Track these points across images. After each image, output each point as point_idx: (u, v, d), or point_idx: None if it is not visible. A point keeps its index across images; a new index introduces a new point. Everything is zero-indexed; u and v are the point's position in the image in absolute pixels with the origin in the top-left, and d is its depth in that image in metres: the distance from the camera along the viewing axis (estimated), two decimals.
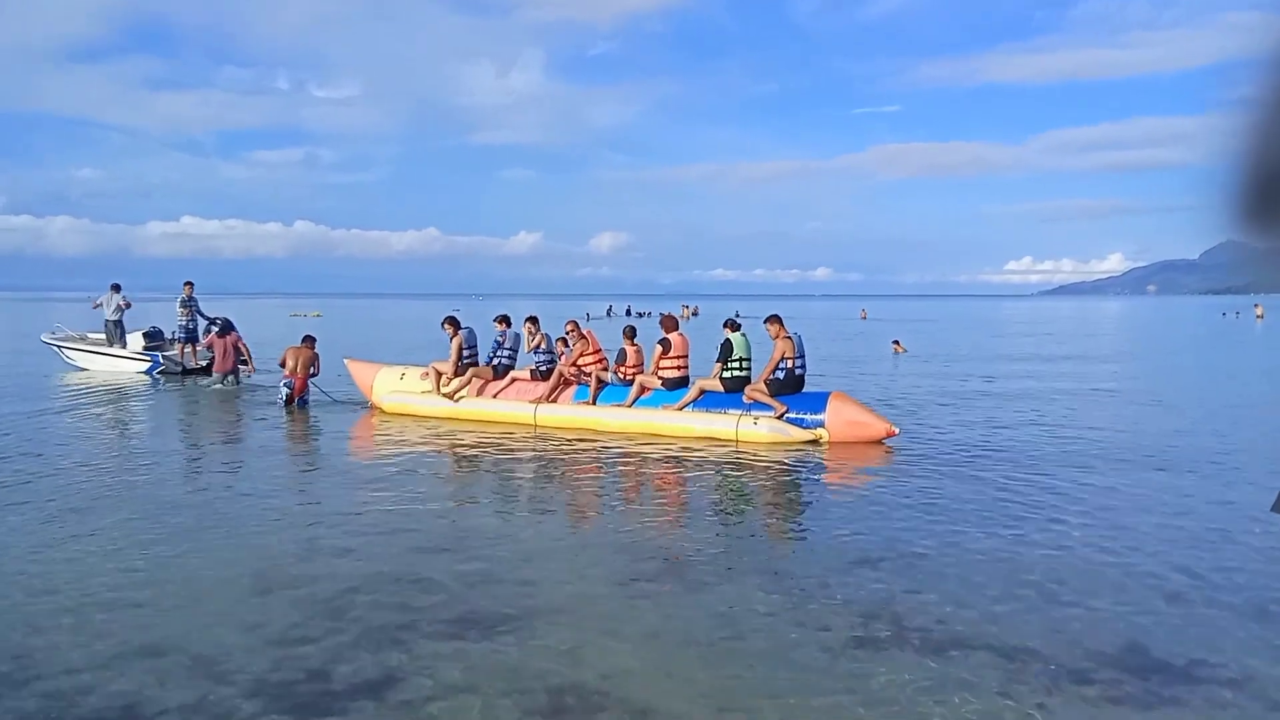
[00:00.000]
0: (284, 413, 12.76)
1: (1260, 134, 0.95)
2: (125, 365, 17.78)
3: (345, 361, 14.08)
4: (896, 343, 26.43)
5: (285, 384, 13.33)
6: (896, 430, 10.17)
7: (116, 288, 18.13)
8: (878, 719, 3.70)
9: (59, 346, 18.99)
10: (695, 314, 53.96)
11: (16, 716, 3.66)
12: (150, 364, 17.46)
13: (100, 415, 12.87)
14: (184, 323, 17.62)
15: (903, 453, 9.78)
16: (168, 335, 18.21)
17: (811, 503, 7.98)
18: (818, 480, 8.75)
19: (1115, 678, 4.09)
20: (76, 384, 16.20)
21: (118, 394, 15.05)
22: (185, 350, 17.49)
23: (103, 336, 18.43)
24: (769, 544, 6.63)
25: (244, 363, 16.25)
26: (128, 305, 18.14)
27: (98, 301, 18.30)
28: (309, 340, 13.82)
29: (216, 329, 16.38)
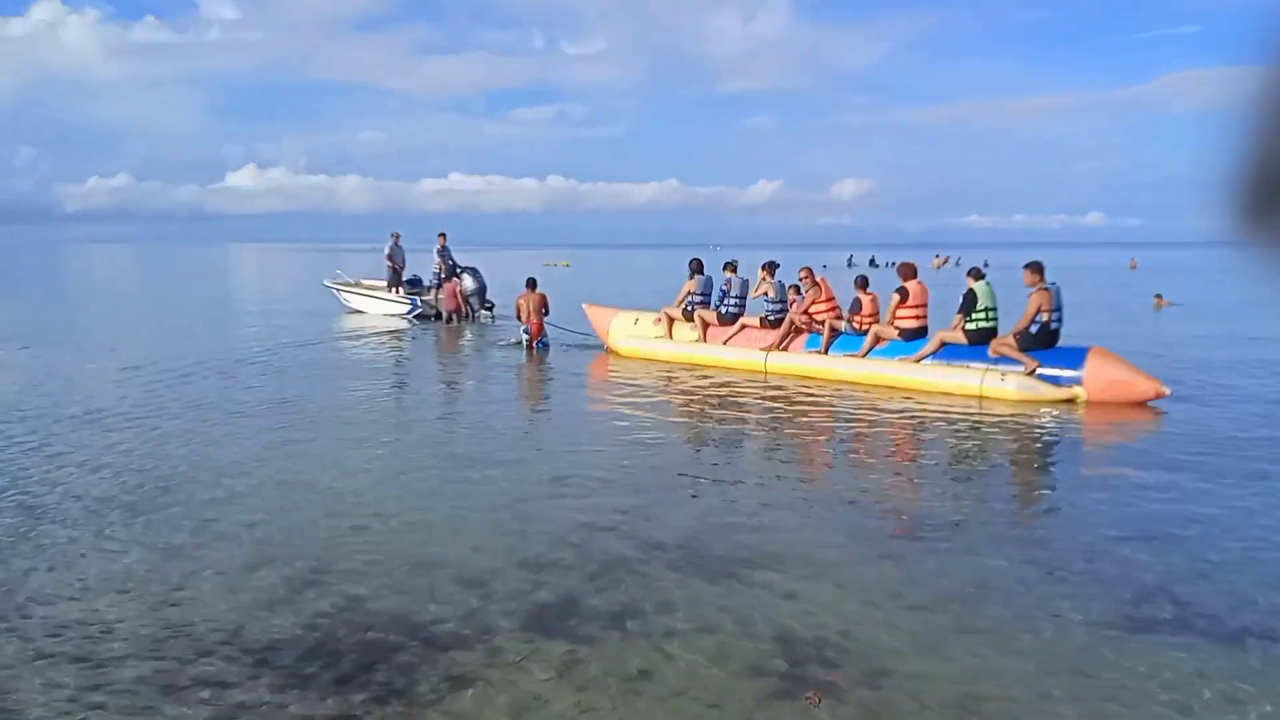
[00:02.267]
0: (525, 356, 13.45)
1: (1262, 131, 0.85)
2: (389, 308, 19.54)
3: (584, 307, 14.68)
4: (1159, 296, 23.85)
5: (524, 330, 14.08)
6: (1168, 391, 9.05)
7: (395, 236, 19.99)
8: (1152, 707, 3.32)
9: (337, 289, 21.23)
10: (948, 264, 50.91)
11: (314, 614, 4.13)
12: (410, 307, 19.05)
13: (372, 354, 14.22)
14: (437, 270, 19.08)
15: (1174, 417, 8.71)
16: (426, 283, 19.77)
17: (1069, 468, 7.29)
18: (1075, 444, 7.99)
19: None
20: (350, 325, 18.01)
21: (383, 335, 16.55)
22: (439, 295, 19.00)
23: (377, 281, 20.41)
24: (1021, 509, 6.16)
25: (489, 307, 17.99)
26: (391, 257, 19.73)
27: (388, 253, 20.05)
28: (531, 283, 14.42)
29: (454, 274, 18.33)
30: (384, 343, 15.61)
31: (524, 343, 14.00)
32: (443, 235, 19.21)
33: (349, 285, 21.09)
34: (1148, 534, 5.27)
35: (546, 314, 14.35)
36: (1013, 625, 4.04)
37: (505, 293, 17.60)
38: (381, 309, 19.73)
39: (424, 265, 19.90)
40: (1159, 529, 5.36)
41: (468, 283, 18.43)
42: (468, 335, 16.50)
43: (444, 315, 17.89)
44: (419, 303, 18.95)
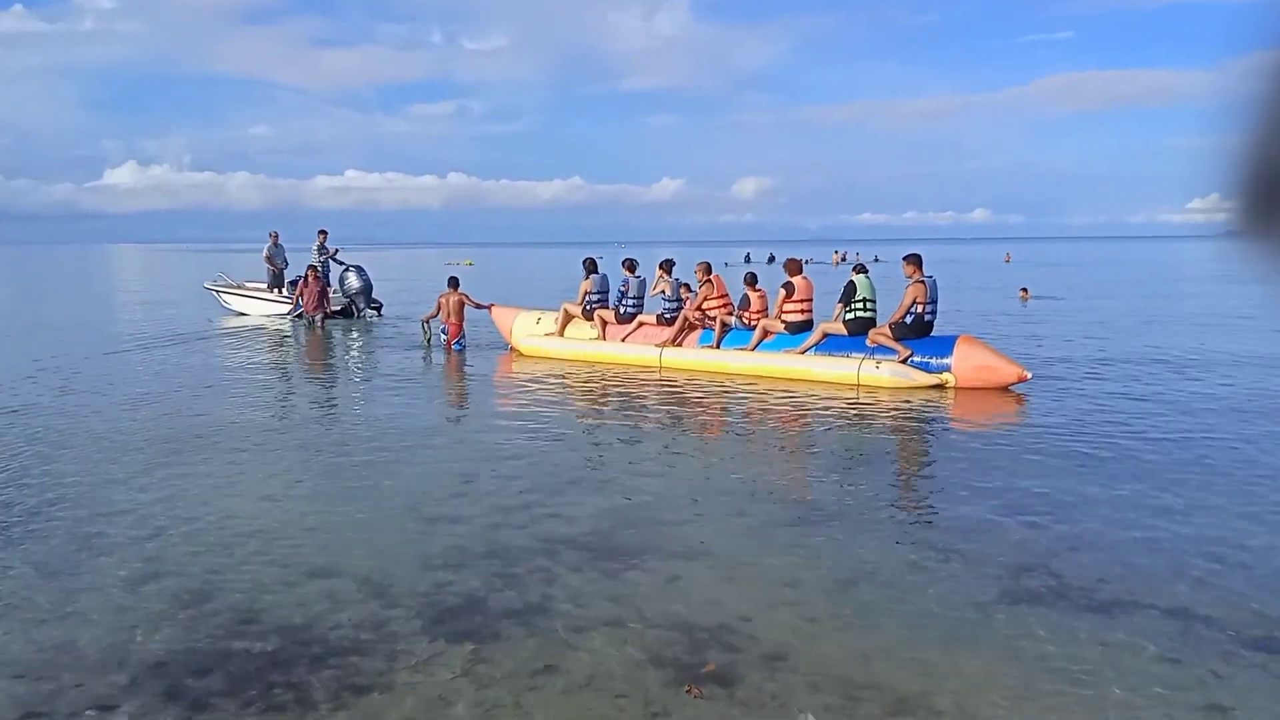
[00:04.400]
0: (443, 355, 13.29)
1: (1262, 130, 0.85)
2: (271, 309, 18.97)
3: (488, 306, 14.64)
4: (1024, 290, 25.12)
5: (441, 329, 13.95)
6: (1029, 375, 9.64)
7: (274, 236, 19.35)
8: (1034, 676, 3.49)
9: (217, 292, 20.42)
10: (846, 259, 52.45)
11: (209, 628, 3.94)
12: (293, 307, 18.49)
13: (257, 357, 13.70)
14: (323, 265, 18.40)
15: (1037, 399, 9.25)
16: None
17: (945, 450, 7.63)
18: (948, 427, 8.39)
19: None
20: (230, 327, 17.29)
21: (266, 336, 15.99)
22: (329, 293, 18.44)
23: (260, 283, 19.72)
24: (905, 493, 6.39)
25: (376, 306, 17.96)
26: (271, 259, 19.15)
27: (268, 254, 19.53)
28: (453, 283, 14.32)
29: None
30: (268, 345, 15.08)
31: (441, 343, 13.84)
32: (323, 233, 18.70)
33: (230, 287, 20.33)
34: (1020, 512, 5.54)
35: (481, 306, 14.28)
36: (902, 606, 4.18)
37: (407, 291, 17.27)
38: (263, 310, 19.15)
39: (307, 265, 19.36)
40: (1029, 507, 5.65)
41: (352, 281, 17.96)
42: (355, 335, 16.07)
43: (310, 315, 17.21)
44: (301, 303, 18.47)
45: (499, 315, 14.21)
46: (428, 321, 14.35)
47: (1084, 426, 7.97)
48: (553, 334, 13.10)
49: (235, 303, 19.88)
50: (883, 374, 9.97)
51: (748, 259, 53.59)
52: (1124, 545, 4.96)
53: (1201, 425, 8.03)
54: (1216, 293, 26.72)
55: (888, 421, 8.48)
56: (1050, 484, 6.17)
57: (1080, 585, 4.38)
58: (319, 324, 17.01)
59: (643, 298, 12.76)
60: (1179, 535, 5.12)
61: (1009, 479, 6.32)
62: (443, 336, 13.87)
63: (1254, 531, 5.20)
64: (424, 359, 13.09)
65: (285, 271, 19.32)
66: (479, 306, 14.32)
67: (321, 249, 18.42)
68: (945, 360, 9.90)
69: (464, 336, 14.02)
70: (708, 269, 12.05)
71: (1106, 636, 3.83)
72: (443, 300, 14.03)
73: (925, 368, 9.94)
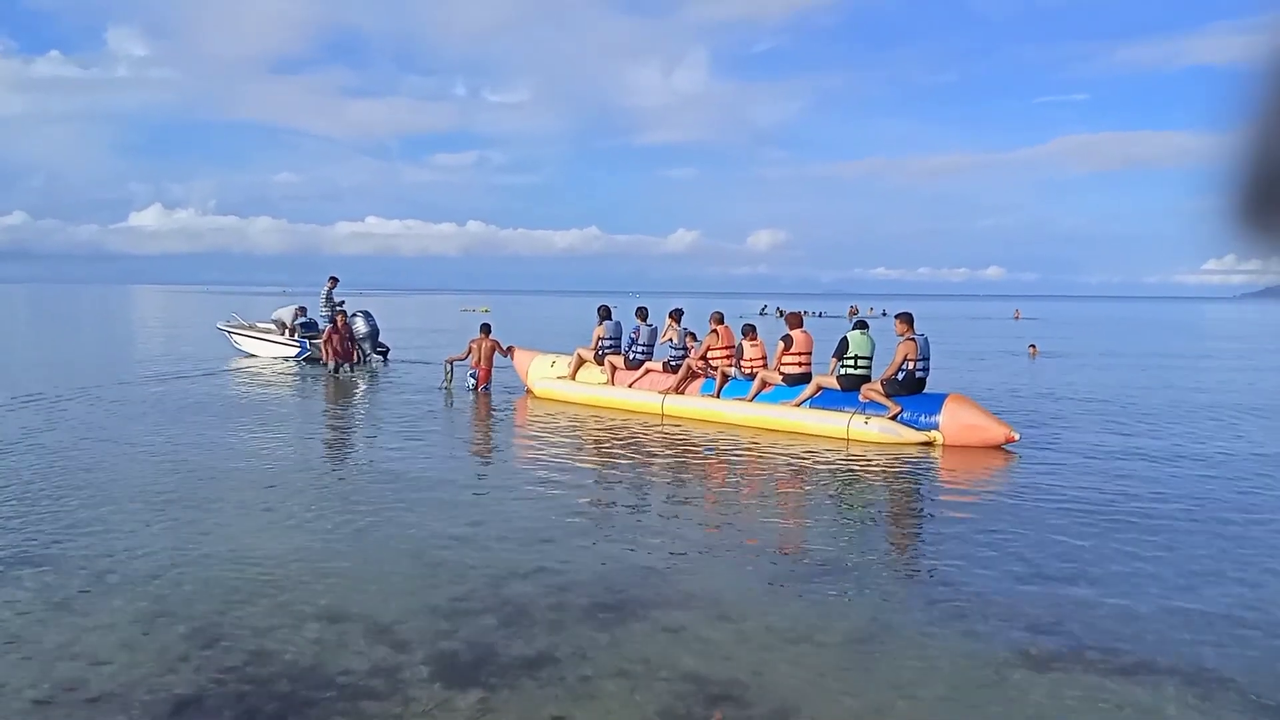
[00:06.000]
0: (461, 399, 13.43)
1: (1262, 137, 0.87)
2: (279, 350, 19.11)
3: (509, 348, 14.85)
4: (1033, 346, 25.48)
5: (471, 374, 14.12)
6: (1017, 436, 9.56)
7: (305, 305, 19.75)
8: None
9: (229, 333, 20.65)
10: (857, 313, 52.58)
11: (220, 669, 3.90)
12: (299, 350, 18.64)
13: (270, 398, 13.81)
14: (327, 314, 18.49)
15: (1025, 459, 9.13)
16: (321, 327, 19.36)
17: (941, 508, 7.52)
18: (939, 484, 8.32)
19: None
20: (238, 368, 17.41)
21: (275, 378, 16.10)
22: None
23: (268, 325, 19.86)
24: (908, 549, 6.31)
25: (383, 351, 17.94)
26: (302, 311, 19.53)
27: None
28: (485, 329, 14.60)
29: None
30: (277, 387, 15.18)
31: (470, 386, 14.02)
32: (333, 280, 18.86)
33: (241, 328, 20.53)
34: (1035, 571, 5.46)
35: (507, 353, 14.51)
36: (914, 664, 4.10)
37: (425, 336, 17.36)
38: (271, 352, 19.31)
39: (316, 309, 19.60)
40: (1044, 566, 5.56)
41: (359, 326, 17.93)
42: (363, 379, 16.10)
43: (331, 365, 16.94)
44: (308, 346, 18.45)
45: (519, 358, 14.54)
46: (452, 363, 14.55)
47: (1078, 486, 7.83)
48: (565, 377, 13.29)
49: (245, 344, 20.07)
50: (871, 429, 9.98)
51: (763, 311, 53.76)
52: (1139, 608, 4.86)
53: (1200, 486, 7.94)
54: (1229, 356, 26.50)
55: (881, 477, 8.44)
56: (1053, 545, 6.05)
57: (1098, 647, 4.28)
58: (338, 371, 16.77)
59: (653, 345, 12.97)
60: (1195, 599, 5.02)
61: (1010, 539, 6.21)
62: (471, 380, 14.05)
63: (1272, 595, 5.11)
64: (445, 401, 13.16)
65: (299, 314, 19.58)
66: (505, 354, 14.51)
67: (329, 297, 18.49)
68: (934, 418, 9.87)
69: (490, 382, 14.26)
70: (719, 319, 12.21)
71: (1126, 700, 3.74)
72: (474, 345, 14.29)
73: (914, 424, 9.93)
